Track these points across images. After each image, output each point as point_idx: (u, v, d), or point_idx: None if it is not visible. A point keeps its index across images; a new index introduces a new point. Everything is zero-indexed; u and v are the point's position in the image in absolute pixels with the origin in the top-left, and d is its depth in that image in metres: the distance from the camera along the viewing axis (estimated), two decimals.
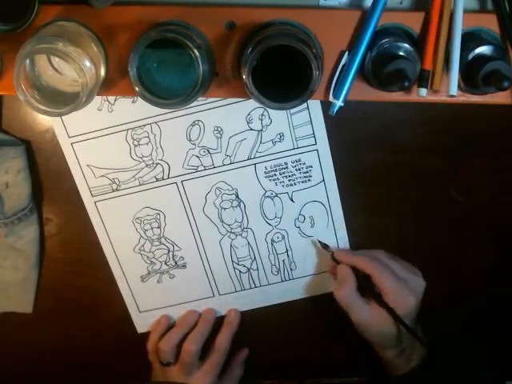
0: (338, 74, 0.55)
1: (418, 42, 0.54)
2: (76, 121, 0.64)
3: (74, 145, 0.65)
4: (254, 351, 0.76)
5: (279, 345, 0.76)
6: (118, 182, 0.67)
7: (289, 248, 0.71)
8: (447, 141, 0.67)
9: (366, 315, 0.65)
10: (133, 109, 0.63)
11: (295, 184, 0.68)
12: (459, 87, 0.55)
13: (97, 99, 0.63)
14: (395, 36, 0.54)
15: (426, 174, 0.69)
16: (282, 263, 0.72)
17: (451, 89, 0.54)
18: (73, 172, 0.66)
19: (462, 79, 0.55)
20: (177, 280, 0.72)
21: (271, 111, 0.64)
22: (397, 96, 0.56)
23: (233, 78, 0.56)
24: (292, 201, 0.68)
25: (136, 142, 0.65)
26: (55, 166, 0.67)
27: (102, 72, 0.54)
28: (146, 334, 0.74)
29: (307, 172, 0.67)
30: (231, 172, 0.67)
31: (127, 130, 0.64)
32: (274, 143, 0.66)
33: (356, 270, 0.66)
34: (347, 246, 0.71)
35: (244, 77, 0.50)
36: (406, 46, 0.53)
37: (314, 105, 0.64)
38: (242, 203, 0.68)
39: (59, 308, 0.74)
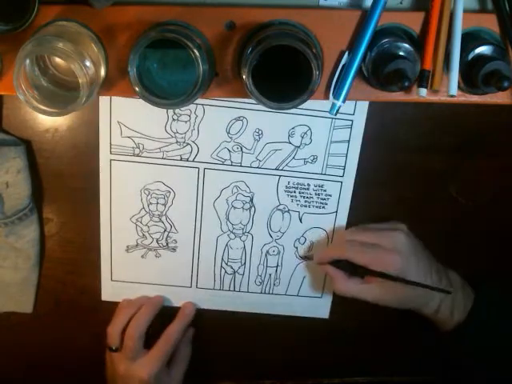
0: (338, 73, 0.55)
1: (418, 42, 0.55)
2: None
3: (112, 98, 0.63)
4: (254, 352, 0.76)
5: (279, 345, 0.76)
6: (141, 148, 0.65)
7: (279, 264, 0.71)
8: (447, 141, 0.68)
9: (374, 293, 0.65)
10: None
11: (309, 206, 0.69)
12: (459, 87, 0.55)
13: None
14: (395, 36, 0.54)
15: (426, 174, 0.69)
16: (267, 276, 0.72)
17: (451, 89, 0.54)
18: (100, 123, 0.65)
19: (462, 79, 0.55)
20: (161, 260, 0.71)
21: (315, 132, 0.65)
22: (397, 96, 0.56)
23: (233, 78, 0.56)
24: (300, 221, 0.69)
25: (175, 117, 0.64)
26: (55, 166, 0.67)
27: (102, 72, 0.54)
28: (106, 304, 0.72)
29: (325, 199, 0.68)
30: (255, 176, 0.67)
31: None
32: (305, 162, 0.67)
33: (338, 261, 0.67)
34: None
35: (244, 77, 0.50)
36: (406, 45, 0.53)
37: (356, 140, 0.65)
38: (253, 208, 0.69)
39: (59, 308, 0.74)
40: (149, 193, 0.68)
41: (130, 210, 0.68)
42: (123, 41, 0.54)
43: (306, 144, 0.66)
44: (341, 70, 0.54)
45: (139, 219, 0.69)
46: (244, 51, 0.52)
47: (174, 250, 0.71)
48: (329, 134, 0.65)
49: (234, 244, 0.71)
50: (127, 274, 0.72)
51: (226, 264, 0.71)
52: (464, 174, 0.69)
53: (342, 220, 0.69)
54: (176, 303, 0.73)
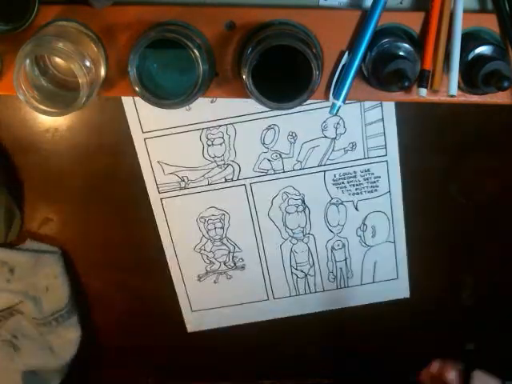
0: (338, 73, 0.55)
1: (418, 42, 0.54)
2: (151, 117, 0.65)
3: (146, 140, 0.66)
4: (254, 352, 0.77)
5: (279, 344, 0.76)
6: (186, 180, 0.67)
7: (348, 256, 0.72)
8: (447, 140, 0.67)
9: None
10: (210, 109, 0.65)
11: (361, 193, 0.69)
12: (459, 87, 0.55)
13: None
14: (395, 36, 0.54)
15: (426, 174, 0.69)
16: (339, 271, 0.72)
17: (451, 89, 0.54)
18: (142, 167, 0.67)
19: (462, 79, 0.55)
20: (234, 281, 0.72)
21: (347, 120, 0.65)
22: (397, 96, 0.56)
23: (233, 78, 0.56)
24: (356, 209, 0.69)
25: (210, 142, 0.65)
26: (55, 166, 0.68)
27: (102, 72, 0.54)
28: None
29: (375, 182, 0.68)
30: (300, 177, 0.68)
31: (202, 129, 0.65)
32: (345, 151, 0.67)
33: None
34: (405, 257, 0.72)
35: (244, 77, 0.50)
36: (406, 46, 0.53)
37: (389, 117, 0.65)
38: (307, 208, 0.69)
39: None
40: (205, 220, 0.69)
41: (192, 241, 0.71)
42: (123, 41, 0.54)
43: (341, 133, 0.66)
44: (341, 70, 0.55)
45: (202, 247, 0.71)
46: (244, 51, 0.52)
47: (242, 268, 0.72)
48: (361, 117, 0.65)
49: (298, 248, 0.71)
50: (205, 301, 0.74)
51: (296, 269, 0.72)
52: (464, 173, 0.69)
53: (398, 198, 0.69)
54: (258, 318, 0.74)
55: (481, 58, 0.53)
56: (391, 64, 0.52)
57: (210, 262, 0.72)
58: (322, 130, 0.66)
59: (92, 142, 0.67)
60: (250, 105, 0.64)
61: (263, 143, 0.66)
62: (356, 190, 0.69)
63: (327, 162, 0.67)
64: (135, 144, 0.65)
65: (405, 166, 0.68)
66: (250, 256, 0.71)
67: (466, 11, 0.54)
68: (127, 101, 0.64)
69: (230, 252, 0.71)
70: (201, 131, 0.65)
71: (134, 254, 0.72)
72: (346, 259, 0.72)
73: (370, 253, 0.72)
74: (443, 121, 0.66)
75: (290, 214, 0.69)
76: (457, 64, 0.53)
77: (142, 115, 0.64)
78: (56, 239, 0.71)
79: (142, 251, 0.72)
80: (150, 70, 0.52)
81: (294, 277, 0.73)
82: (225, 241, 0.71)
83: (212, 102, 0.64)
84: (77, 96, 0.49)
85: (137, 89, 0.50)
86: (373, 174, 0.68)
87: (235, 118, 0.65)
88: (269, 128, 0.65)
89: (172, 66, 0.52)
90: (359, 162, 0.67)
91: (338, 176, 0.68)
